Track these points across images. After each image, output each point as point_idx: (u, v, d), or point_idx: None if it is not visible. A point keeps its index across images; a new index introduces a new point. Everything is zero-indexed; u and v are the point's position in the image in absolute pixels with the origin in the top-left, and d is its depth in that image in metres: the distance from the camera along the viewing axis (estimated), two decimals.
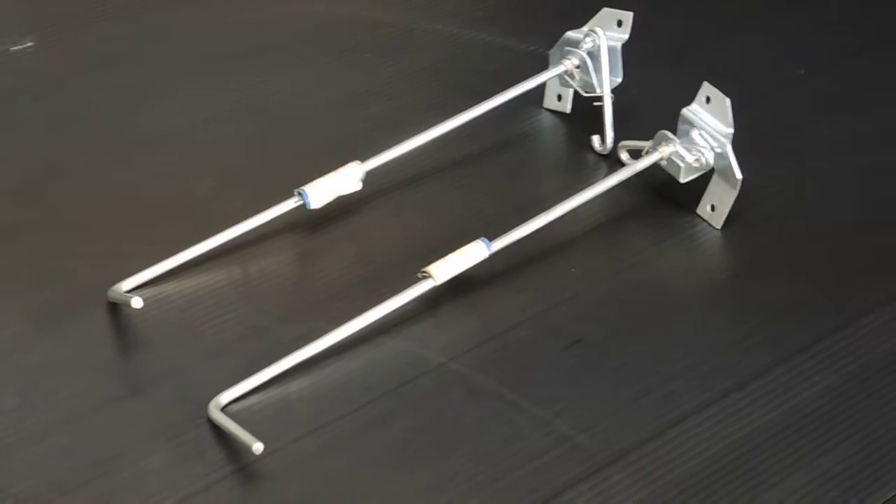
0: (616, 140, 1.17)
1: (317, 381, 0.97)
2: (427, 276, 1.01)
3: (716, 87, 1.09)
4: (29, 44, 1.30)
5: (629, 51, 1.19)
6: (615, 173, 1.10)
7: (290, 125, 1.23)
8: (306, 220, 1.10)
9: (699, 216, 1.12)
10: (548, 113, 1.25)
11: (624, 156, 1.15)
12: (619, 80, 1.20)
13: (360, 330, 0.99)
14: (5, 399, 0.95)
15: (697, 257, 1.10)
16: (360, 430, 0.94)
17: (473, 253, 1.03)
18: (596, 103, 1.19)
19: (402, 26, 1.36)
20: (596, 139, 1.19)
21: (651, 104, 1.23)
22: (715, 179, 1.12)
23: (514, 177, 1.18)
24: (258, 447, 0.89)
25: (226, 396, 0.94)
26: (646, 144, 1.13)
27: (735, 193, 1.10)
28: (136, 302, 0.97)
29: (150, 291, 1.04)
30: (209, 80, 1.28)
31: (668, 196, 1.13)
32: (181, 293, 1.04)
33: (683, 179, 1.12)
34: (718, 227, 1.12)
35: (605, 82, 1.18)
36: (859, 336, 1.02)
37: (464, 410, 0.96)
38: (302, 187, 1.08)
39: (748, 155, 1.11)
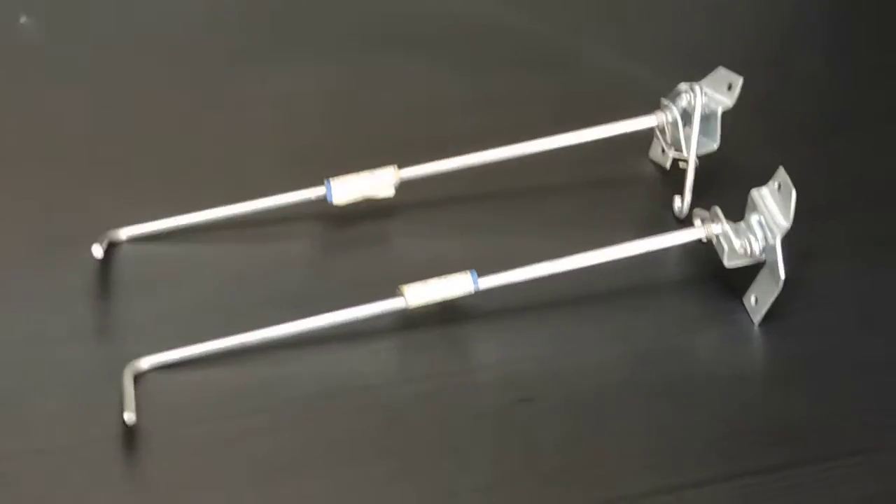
0: (696, 206, 1.08)
1: (245, 372, 0.94)
2: (400, 295, 0.97)
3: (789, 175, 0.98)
4: None
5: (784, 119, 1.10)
6: (644, 240, 1.01)
7: (379, 118, 1.21)
8: (334, 214, 1.08)
9: (744, 305, 1.02)
10: (651, 164, 1.17)
11: (697, 222, 1.06)
12: (715, 146, 1.10)
13: (311, 331, 0.96)
14: None
15: (717, 348, 0.99)
16: (242, 432, 0.90)
17: (456, 284, 0.97)
18: (681, 164, 1.10)
19: (539, 38, 1.31)
20: (678, 200, 1.11)
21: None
22: (763, 271, 1.00)
23: (574, 220, 1.10)
24: (128, 417, 0.88)
25: (146, 362, 0.93)
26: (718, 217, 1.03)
27: (776, 292, 0.99)
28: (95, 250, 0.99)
29: (149, 246, 1.04)
30: (322, 57, 1.27)
31: (721, 275, 1.03)
32: (178, 254, 1.04)
33: (728, 264, 1.01)
34: (756, 322, 1.01)
35: (693, 143, 1.08)
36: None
37: (359, 436, 0.90)
38: (329, 179, 1.07)
39: (846, 260, 1.02)
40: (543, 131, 1.12)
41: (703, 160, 1.11)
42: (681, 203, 1.09)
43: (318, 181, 1.07)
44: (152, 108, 1.21)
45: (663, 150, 1.13)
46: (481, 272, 0.99)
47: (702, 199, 1.09)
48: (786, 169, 1.01)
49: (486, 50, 1.31)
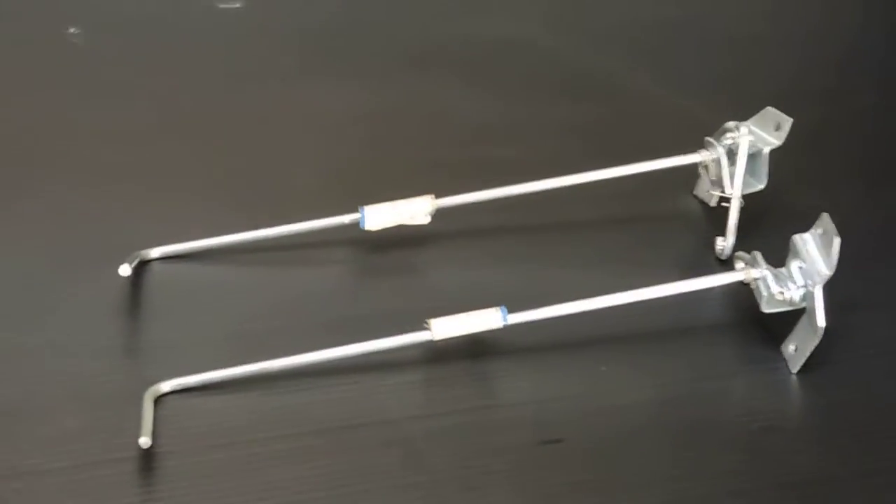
0: (739, 247, 1.06)
1: (267, 400, 0.93)
2: (427, 328, 0.95)
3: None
4: (237, 4, 1.34)
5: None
6: (680, 282, 0.98)
7: (418, 141, 1.20)
8: (368, 240, 1.06)
9: (782, 353, 0.99)
10: (696, 201, 1.14)
11: (738, 265, 1.03)
12: (761, 186, 1.08)
13: (336, 360, 0.94)
14: None
15: (750, 396, 0.96)
16: (259, 460, 0.88)
17: (485, 319, 0.95)
18: (724, 203, 1.08)
19: (586, 66, 1.29)
20: (720, 241, 1.08)
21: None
22: (803, 320, 0.97)
23: (612, 256, 1.08)
24: (143, 441, 0.87)
25: (167, 385, 0.92)
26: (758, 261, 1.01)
27: (816, 341, 0.96)
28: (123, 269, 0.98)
29: (180, 266, 1.04)
30: (365, 79, 1.27)
31: (762, 321, 1.00)
32: (208, 276, 1.03)
33: (765, 309, 0.98)
34: (794, 370, 0.98)
35: (737, 183, 1.06)
36: None
37: (378, 470, 0.88)
38: (364, 206, 1.05)
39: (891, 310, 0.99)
40: (584, 162, 1.10)
41: (749, 200, 1.09)
42: (723, 244, 1.07)
43: (352, 202, 1.06)
44: (192, 126, 1.22)
45: (709, 189, 1.12)
46: (514, 306, 0.97)
47: (746, 240, 1.06)
48: (832, 212, 0.98)
49: (532, 76, 1.30)
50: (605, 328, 1.00)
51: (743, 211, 1.08)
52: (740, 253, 1.03)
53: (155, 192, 1.12)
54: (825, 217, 0.97)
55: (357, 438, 0.91)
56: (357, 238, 1.06)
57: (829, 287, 0.97)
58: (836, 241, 0.95)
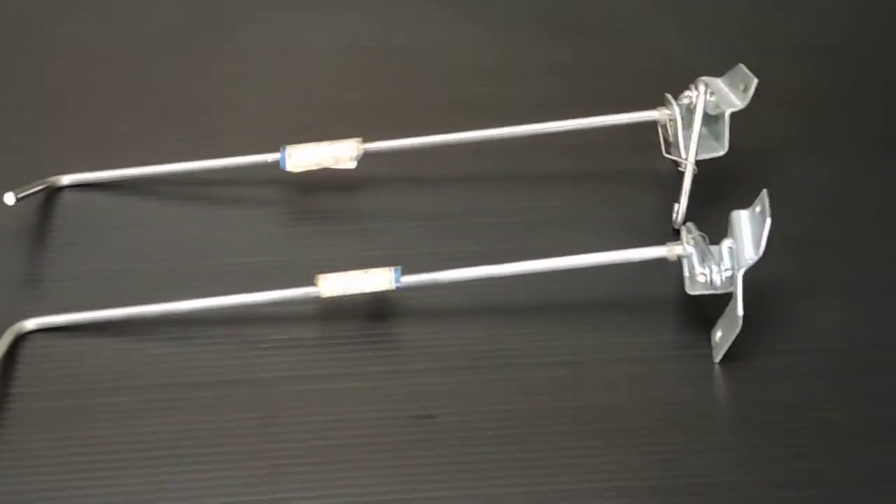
0: (693, 216, 0.96)
1: (135, 347, 0.88)
2: (314, 284, 0.89)
3: None
4: None
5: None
6: (600, 253, 0.89)
7: (407, 77, 1.12)
8: (298, 183, 0.99)
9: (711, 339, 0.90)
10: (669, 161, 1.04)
11: (683, 236, 0.93)
12: (722, 151, 0.97)
13: (217, 309, 0.89)
14: None
15: (664, 385, 0.87)
16: (108, 411, 0.84)
17: (376, 279, 0.88)
18: (679, 168, 0.98)
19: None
20: (676, 207, 0.98)
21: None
22: (730, 306, 0.88)
23: (559, 215, 0.98)
24: None
25: (33, 323, 0.88)
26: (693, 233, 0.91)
27: (735, 332, 0.86)
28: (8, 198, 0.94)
29: (93, 194, 0.99)
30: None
31: (701, 301, 0.90)
32: (120, 207, 0.98)
33: (689, 291, 0.89)
34: (715, 360, 0.88)
35: (691, 147, 0.96)
36: None
37: (234, 437, 0.83)
38: (287, 146, 0.98)
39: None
40: (565, 109, 1.02)
41: (740, 161, 0.99)
42: (677, 211, 0.98)
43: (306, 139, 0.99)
44: (166, 50, 1.16)
45: (664, 151, 1.01)
46: (439, 264, 0.90)
47: (721, 207, 0.95)
48: (830, 184, 0.88)
49: (542, 11, 1.21)
50: (530, 294, 0.92)
51: (729, 173, 0.99)
52: (689, 224, 0.93)
53: (93, 116, 1.07)
54: (764, 193, 0.87)
55: (221, 396, 0.85)
56: (285, 179, 1.00)
57: (785, 266, 0.88)
58: (767, 223, 0.85)
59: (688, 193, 0.96)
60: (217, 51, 1.15)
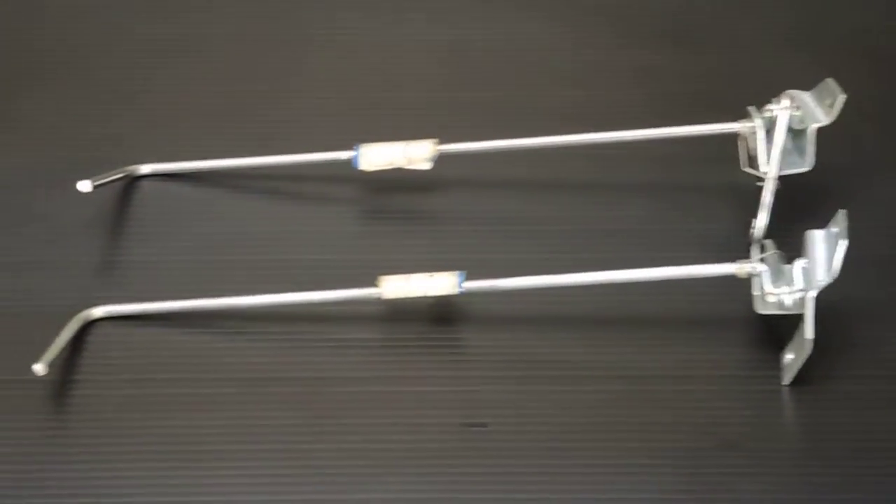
0: (770, 232, 0.93)
1: (202, 340, 0.88)
2: (377, 286, 0.89)
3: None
4: None
5: None
6: (664, 268, 0.87)
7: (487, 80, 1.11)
8: (371, 181, 0.99)
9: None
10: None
11: (756, 254, 0.91)
12: (806, 167, 0.94)
13: (278, 306, 0.89)
14: None
15: (728, 405, 0.85)
16: (172, 402, 0.85)
17: (439, 283, 0.88)
18: (758, 183, 0.95)
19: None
20: (754, 223, 0.96)
21: None
22: (800, 328, 0.85)
23: (633, 227, 0.97)
24: (37, 368, 0.84)
25: (101, 311, 0.89)
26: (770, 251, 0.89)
27: (805, 355, 0.84)
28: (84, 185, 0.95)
29: (170, 184, 1.00)
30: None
31: (774, 321, 0.88)
32: (195, 199, 0.99)
33: (759, 310, 0.87)
34: (784, 382, 0.86)
35: (773, 161, 0.93)
36: None
37: (279, 433, 0.83)
38: (361, 145, 0.98)
39: None
40: (648, 117, 1.01)
41: (831, 175, 0.97)
42: (754, 226, 0.95)
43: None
44: (216, 47, 1.16)
45: (743, 165, 0.98)
46: (506, 271, 0.89)
47: (807, 224, 0.91)
48: None
49: (618, 15, 1.19)
50: (597, 306, 0.91)
51: (818, 188, 0.96)
52: (767, 241, 0.91)
53: (165, 110, 1.08)
54: (841, 214, 0.85)
55: (275, 393, 0.86)
56: (359, 178, 1.00)
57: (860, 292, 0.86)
58: (842, 245, 0.83)
59: (768, 209, 0.94)
60: (296, 50, 1.15)
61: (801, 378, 0.85)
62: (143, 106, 1.08)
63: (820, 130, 0.94)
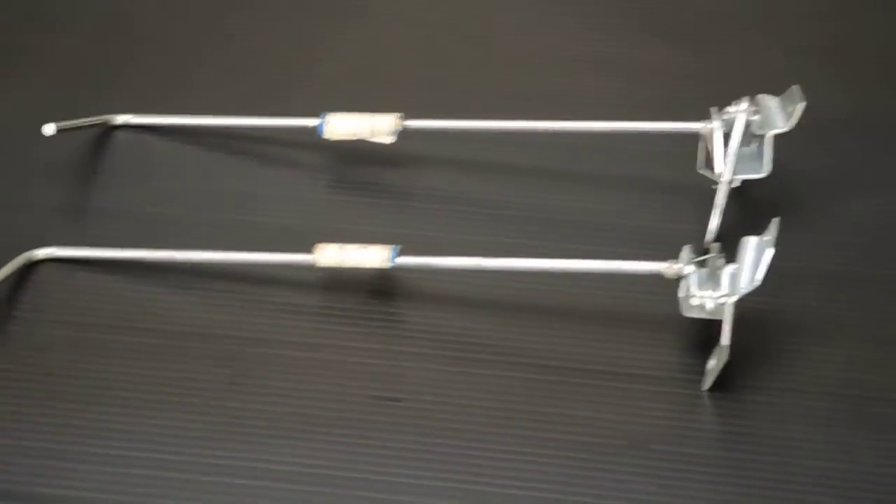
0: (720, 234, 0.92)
1: (143, 290, 0.90)
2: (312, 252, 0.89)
3: None
4: None
5: None
6: (602, 261, 0.87)
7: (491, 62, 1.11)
8: (338, 149, 1.00)
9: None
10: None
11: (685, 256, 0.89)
12: (762, 174, 0.93)
13: (219, 264, 0.91)
14: None
15: (644, 407, 0.84)
16: (99, 348, 0.86)
17: (372, 255, 0.88)
18: (713, 186, 0.94)
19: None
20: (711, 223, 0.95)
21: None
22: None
23: (588, 219, 0.96)
24: None
25: (44, 252, 0.91)
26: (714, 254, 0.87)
27: (723, 360, 0.83)
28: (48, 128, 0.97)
29: (143, 135, 1.02)
30: None
31: (715, 325, 0.85)
32: (164, 151, 1.01)
33: (685, 313, 0.85)
34: (703, 388, 0.85)
35: (727, 165, 0.92)
36: None
37: (204, 390, 0.85)
38: (328, 114, 0.99)
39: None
40: (644, 111, 1.00)
41: (808, 182, 0.96)
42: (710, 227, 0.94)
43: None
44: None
45: (698, 167, 0.97)
46: (456, 249, 0.90)
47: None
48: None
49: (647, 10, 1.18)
50: (538, 294, 0.91)
51: (787, 191, 0.95)
52: (715, 244, 0.90)
53: (167, 61, 1.10)
54: (774, 223, 0.83)
55: (201, 349, 0.87)
56: (330, 146, 1.00)
57: (819, 303, 0.87)
58: (768, 253, 0.81)
59: (721, 211, 0.93)
60: (300, 14, 1.16)
61: (722, 385, 0.84)
62: (137, 55, 1.10)
63: (819, 136, 0.93)
